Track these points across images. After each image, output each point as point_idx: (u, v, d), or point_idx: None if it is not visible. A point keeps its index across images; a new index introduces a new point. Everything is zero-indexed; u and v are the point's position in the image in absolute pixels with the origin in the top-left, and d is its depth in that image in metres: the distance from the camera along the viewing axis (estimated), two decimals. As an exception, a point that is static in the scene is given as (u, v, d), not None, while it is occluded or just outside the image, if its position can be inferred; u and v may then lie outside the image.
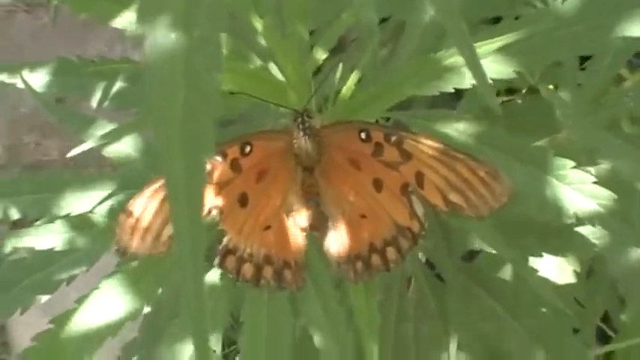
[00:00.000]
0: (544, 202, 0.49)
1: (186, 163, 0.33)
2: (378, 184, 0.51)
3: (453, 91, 0.51)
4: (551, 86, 0.74)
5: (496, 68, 0.50)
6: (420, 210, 0.51)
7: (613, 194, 0.49)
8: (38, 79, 0.61)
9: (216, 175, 0.50)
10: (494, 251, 0.56)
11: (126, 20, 0.55)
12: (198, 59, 0.33)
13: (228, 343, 1.05)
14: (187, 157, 0.33)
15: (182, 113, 0.33)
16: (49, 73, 0.61)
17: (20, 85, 0.61)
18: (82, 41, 1.23)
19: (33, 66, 0.62)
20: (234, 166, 0.50)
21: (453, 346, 0.56)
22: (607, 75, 0.63)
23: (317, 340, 0.52)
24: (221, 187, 0.50)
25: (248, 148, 0.51)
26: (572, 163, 0.49)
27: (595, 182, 0.49)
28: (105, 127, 0.59)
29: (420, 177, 0.50)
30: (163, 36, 0.33)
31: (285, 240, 0.52)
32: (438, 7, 0.39)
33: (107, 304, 0.53)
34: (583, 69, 0.66)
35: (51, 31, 1.22)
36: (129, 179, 0.59)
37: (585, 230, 0.56)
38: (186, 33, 0.33)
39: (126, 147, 0.59)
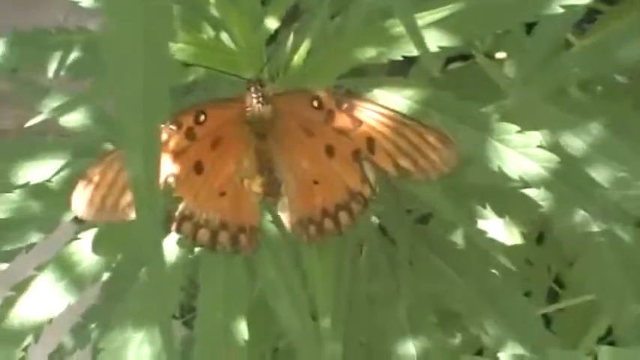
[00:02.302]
0: (490, 165, 0.50)
1: (145, 128, 0.34)
2: (330, 150, 0.52)
3: (402, 59, 0.52)
4: (503, 53, 0.76)
5: (442, 37, 0.51)
6: (371, 175, 0.52)
7: (556, 157, 0.50)
8: (-5, 50, 0.62)
9: (171, 144, 0.51)
10: (443, 214, 0.58)
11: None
12: (155, 27, 0.34)
13: (188, 309, 1.06)
14: (146, 122, 0.34)
15: (142, 80, 0.34)
16: (5, 45, 0.62)
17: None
18: (37, 9, 1.22)
19: (-12, 38, 0.62)
20: (189, 134, 0.52)
21: (403, 307, 0.58)
22: (553, 40, 0.65)
23: (272, 301, 0.53)
24: (176, 156, 0.52)
25: (202, 117, 0.52)
26: (517, 128, 0.50)
27: (539, 146, 0.50)
28: (60, 97, 0.60)
29: (371, 143, 0.51)
30: (122, 6, 0.34)
31: (240, 206, 0.53)
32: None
33: (65, 271, 0.54)
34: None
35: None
36: (85, 147, 0.60)
37: (531, 192, 0.58)
38: (144, 2, 0.34)
39: (82, 116, 0.60)
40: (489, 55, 0.83)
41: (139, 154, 0.34)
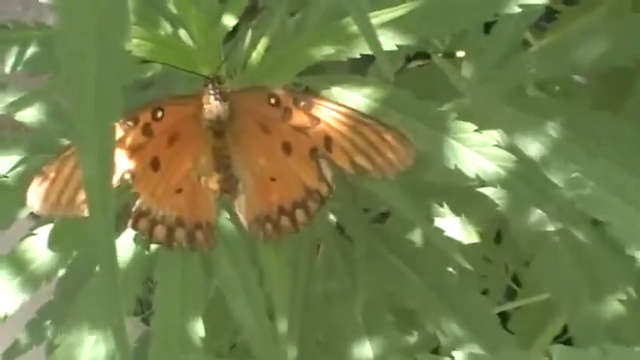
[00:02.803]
0: (447, 164, 0.51)
1: (98, 128, 0.34)
2: (287, 148, 0.52)
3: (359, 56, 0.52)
4: (463, 51, 0.76)
5: (399, 35, 0.51)
6: (328, 173, 0.52)
7: (513, 156, 0.50)
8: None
9: (128, 140, 0.51)
10: (401, 213, 0.58)
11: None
12: (109, 27, 0.34)
13: (147, 305, 1.06)
14: (99, 122, 0.34)
15: (95, 80, 0.34)
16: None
17: None
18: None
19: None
20: (146, 130, 0.51)
21: (359, 305, 0.58)
22: (511, 40, 0.65)
23: (228, 299, 0.53)
24: (133, 152, 0.51)
25: (160, 113, 0.52)
26: (474, 127, 0.51)
27: (496, 145, 0.51)
28: (17, 93, 0.60)
29: (328, 141, 0.51)
30: (74, 5, 0.34)
31: (197, 202, 0.53)
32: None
33: (20, 268, 0.54)
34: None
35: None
36: (41, 143, 0.59)
37: (488, 191, 0.58)
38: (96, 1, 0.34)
39: (38, 112, 0.60)
40: (450, 54, 0.83)
41: (93, 155, 0.34)
